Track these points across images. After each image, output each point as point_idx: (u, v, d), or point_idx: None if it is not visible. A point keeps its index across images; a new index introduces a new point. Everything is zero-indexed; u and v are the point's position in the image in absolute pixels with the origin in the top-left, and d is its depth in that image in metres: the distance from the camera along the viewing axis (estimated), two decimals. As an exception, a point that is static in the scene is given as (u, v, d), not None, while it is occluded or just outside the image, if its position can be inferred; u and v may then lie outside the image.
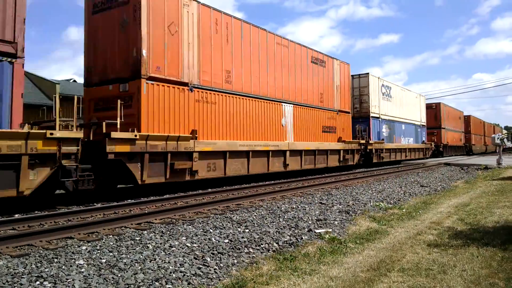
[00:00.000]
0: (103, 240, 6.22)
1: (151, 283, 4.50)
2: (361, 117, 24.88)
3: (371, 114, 25.01)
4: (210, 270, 5.08)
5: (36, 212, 8.71)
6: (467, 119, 53.97)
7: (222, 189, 12.65)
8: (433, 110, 40.91)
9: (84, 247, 5.78)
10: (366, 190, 13.06)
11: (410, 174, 20.35)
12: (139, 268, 4.92)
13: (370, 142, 23.64)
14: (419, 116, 34.87)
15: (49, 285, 4.34)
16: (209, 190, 12.55)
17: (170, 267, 5.02)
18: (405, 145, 30.27)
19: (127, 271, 4.79)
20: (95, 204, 9.79)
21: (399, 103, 30.14)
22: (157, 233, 6.70)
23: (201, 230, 6.97)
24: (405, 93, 32.35)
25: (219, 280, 4.85)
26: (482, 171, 22.61)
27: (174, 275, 4.77)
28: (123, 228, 7.22)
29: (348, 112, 22.38)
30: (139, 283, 4.49)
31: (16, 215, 8.22)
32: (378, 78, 26.51)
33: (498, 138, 25.84)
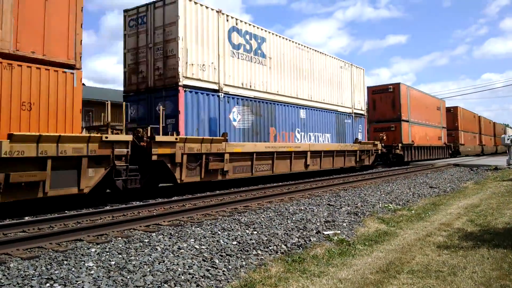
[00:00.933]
0: (112, 242, 6.25)
1: (160, 285, 4.52)
2: (165, 88, 12.65)
3: (184, 82, 12.45)
4: (219, 272, 5.08)
5: (46, 214, 8.78)
6: (453, 112, 42.17)
7: (229, 191, 12.65)
8: (389, 95, 29.06)
9: (93, 249, 5.82)
10: (374, 192, 12.99)
11: (419, 175, 20.21)
12: (148, 270, 4.94)
13: (162, 139, 11.10)
14: (350, 100, 22.82)
15: (59, 287, 4.38)
16: (217, 192, 12.57)
17: (179, 269, 5.03)
18: (305, 145, 17.55)
19: (136, 273, 4.81)
20: (103, 206, 9.85)
21: (290, 71, 17.53)
22: (166, 235, 6.72)
23: (210, 232, 6.98)
24: (311, 55, 19.15)
25: (228, 282, 4.85)
26: (492, 172, 22.38)
27: (183, 277, 4.78)
28: (132, 230, 7.25)
29: (65, 67, 9.05)
30: (148, 285, 4.51)
31: (26, 218, 8.30)
32: (219, 12, 13.98)
33: (508, 139, 25.56)
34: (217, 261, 5.43)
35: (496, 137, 60.03)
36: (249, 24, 15.55)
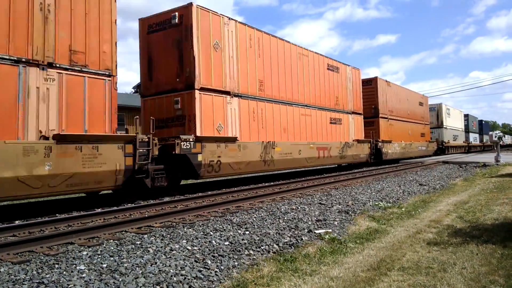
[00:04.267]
0: (104, 245, 6.23)
1: (152, 287, 4.52)
2: None
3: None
4: (211, 272, 5.09)
5: (36, 218, 8.71)
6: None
7: (221, 192, 12.65)
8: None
9: (85, 252, 5.79)
10: (365, 190, 13.09)
11: (409, 173, 20.39)
12: (140, 272, 4.93)
13: None
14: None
15: (51, 291, 4.35)
16: (209, 192, 12.56)
17: (171, 270, 5.03)
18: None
19: (128, 276, 4.80)
20: (94, 209, 9.80)
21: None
22: (158, 237, 6.71)
23: (202, 233, 6.99)
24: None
25: (220, 282, 4.87)
26: (481, 168, 22.67)
27: (175, 279, 4.78)
28: (123, 232, 7.22)
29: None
30: (141, 287, 4.50)
31: (17, 222, 8.22)
32: None
33: (496, 136, 25.96)
34: (209, 262, 5.44)
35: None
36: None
